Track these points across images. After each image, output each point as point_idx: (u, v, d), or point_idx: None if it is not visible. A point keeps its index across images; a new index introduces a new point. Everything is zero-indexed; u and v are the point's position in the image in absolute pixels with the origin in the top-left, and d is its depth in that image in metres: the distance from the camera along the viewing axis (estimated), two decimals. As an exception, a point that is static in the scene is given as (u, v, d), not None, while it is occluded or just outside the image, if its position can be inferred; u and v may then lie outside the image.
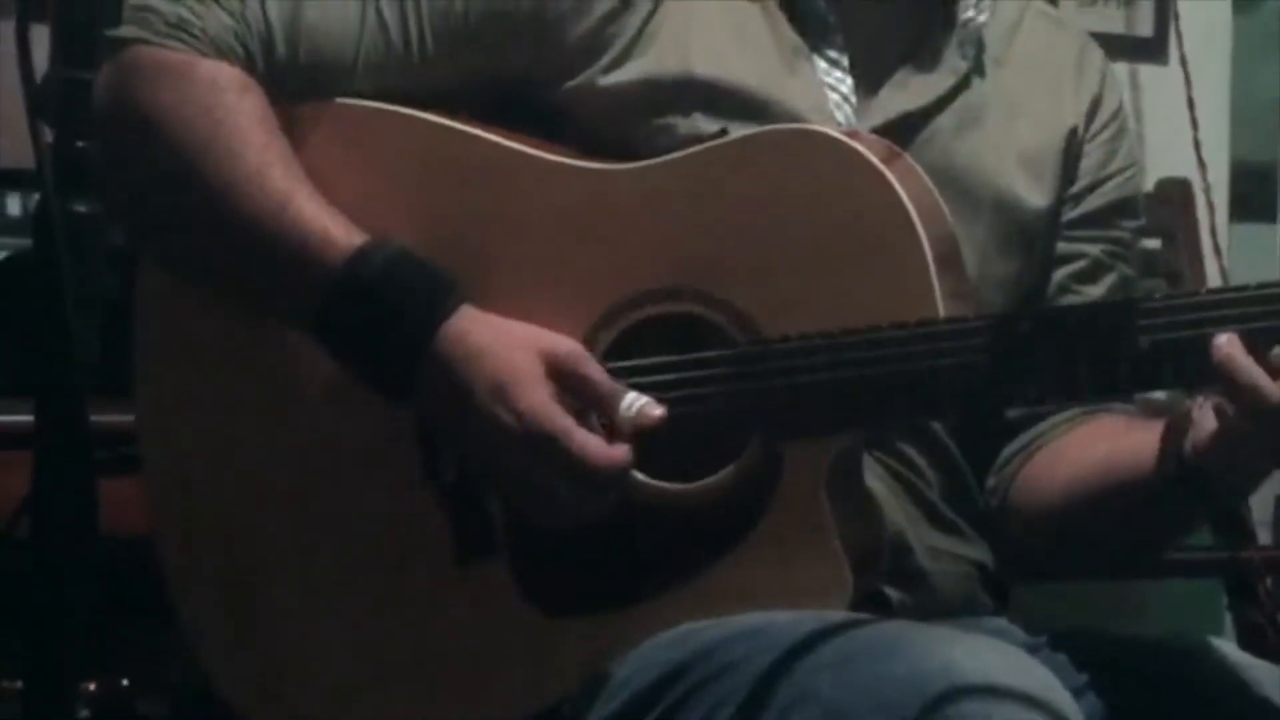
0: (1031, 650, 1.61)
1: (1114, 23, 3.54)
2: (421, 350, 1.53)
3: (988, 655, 1.42)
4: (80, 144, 1.65)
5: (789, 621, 1.50)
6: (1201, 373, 1.47)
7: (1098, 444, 1.67)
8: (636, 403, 1.54)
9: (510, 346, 1.54)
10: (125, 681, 2.47)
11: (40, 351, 1.60)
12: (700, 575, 1.56)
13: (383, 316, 1.54)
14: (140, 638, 2.23)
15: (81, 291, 1.61)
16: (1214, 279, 3.31)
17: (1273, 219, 3.37)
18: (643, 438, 1.53)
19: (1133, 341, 1.48)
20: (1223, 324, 1.47)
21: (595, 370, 1.55)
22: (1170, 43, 3.43)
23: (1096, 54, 1.80)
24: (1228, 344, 1.45)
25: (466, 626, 1.60)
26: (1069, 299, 1.74)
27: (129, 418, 1.69)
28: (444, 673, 1.61)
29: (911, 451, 1.68)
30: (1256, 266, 3.48)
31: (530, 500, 1.55)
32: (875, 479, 1.64)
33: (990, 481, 1.74)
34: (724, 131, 1.60)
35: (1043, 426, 1.73)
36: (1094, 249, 1.75)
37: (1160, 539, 1.70)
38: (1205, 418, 1.52)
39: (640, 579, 1.57)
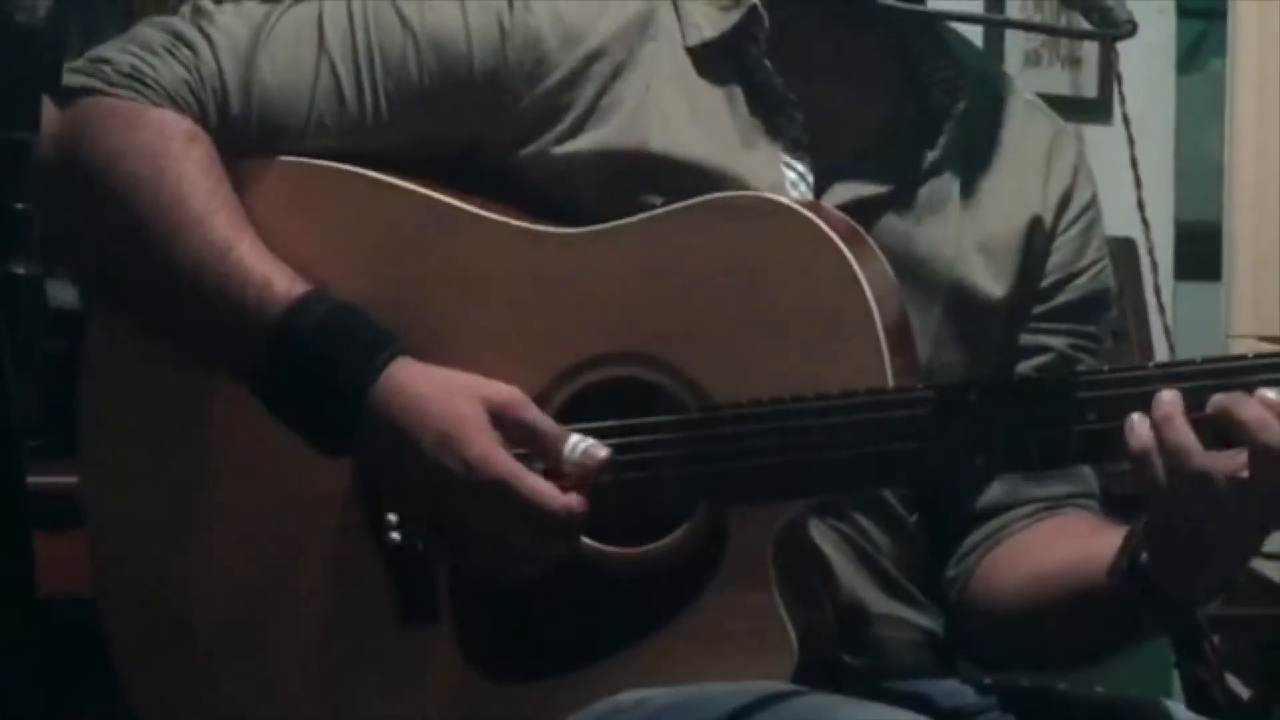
0: (981, 711, 1.61)
1: (1059, 84, 3.57)
2: (359, 402, 1.52)
3: None
4: (19, 205, 1.64)
5: (727, 692, 1.49)
6: None
7: (1061, 543, 1.65)
8: (581, 444, 1.53)
9: (451, 395, 1.53)
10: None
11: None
12: (644, 642, 1.55)
13: (319, 367, 1.54)
14: (84, 699, 2.21)
15: (19, 353, 1.60)
16: (1158, 338, 3.33)
17: (1217, 278, 3.39)
18: (590, 486, 1.52)
19: (1081, 414, 1.48)
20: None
21: (537, 414, 1.54)
22: (1114, 103, 3.45)
23: (1070, 144, 1.77)
24: (1169, 403, 1.45)
25: (408, 688, 1.59)
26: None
27: (70, 479, 1.68)
28: None
29: (864, 519, 1.67)
30: (1201, 325, 3.50)
31: (480, 552, 1.54)
32: (828, 545, 1.64)
33: (951, 572, 1.72)
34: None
35: (1008, 517, 1.71)
36: (1060, 342, 1.72)
37: (1117, 645, 1.65)
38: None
39: (584, 645, 1.57)
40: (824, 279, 1.54)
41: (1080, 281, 1.73)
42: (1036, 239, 1.71)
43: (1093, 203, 1.76)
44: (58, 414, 1.67)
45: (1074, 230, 1.74)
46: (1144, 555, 1.51)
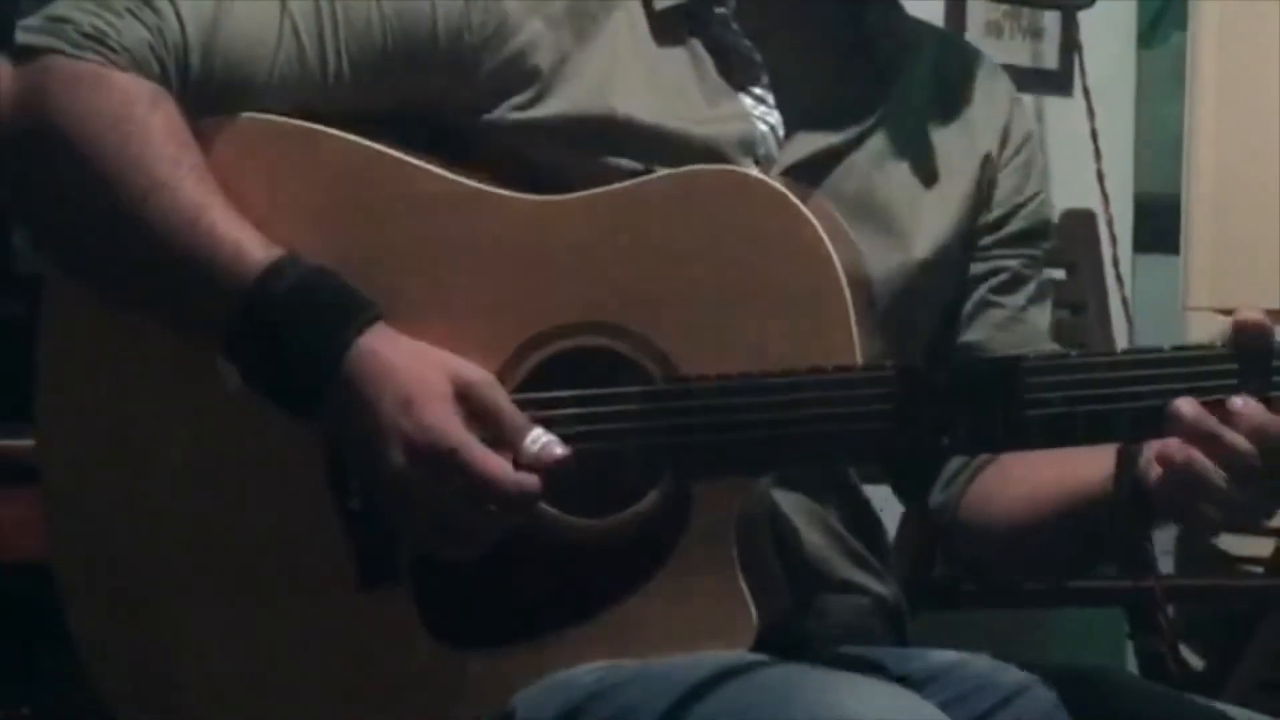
0: (932, 678, 1.62)
1: (1020, 55, 3.57)
2: (332, 367, 1.52)
3: (881, 699, 1.43)
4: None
5: (686, 665, 1.50)
6: (1112, 431, 1.50)
7: (1048, 465, 1.68)
8: (541, 439, 1.53)
9: (422, 365, 1.53)
10: (26, 711, 2.44)
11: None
12: (605, 612, 1.56)
13: (293, 332, 1.53)
14: (43, 666, 2.21)
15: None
16: (1116, 309, 3.34)
17: (1175, 250, 3.40)
18: (546, 474, 1.52)
19: (1046, 397, 1.50)
20: (1136, 384, 1.50)
21: (505, 401, 1.54)
22: (1075, 75, 3.46)
23: (1004, 80, 1.82)
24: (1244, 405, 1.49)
25: (367, 653, 1.59)
26: (992, 312, 1.76)
27: (26, 441, 1.68)
28: (343, 699, 1.60)
29: (821, 486, 1.69)
30: (1159, 298, 3.51)
31: (429, 523, 1.54)
32: (792, 511, 1.65)
33: (939, 497, 1.77)
34: (650, 170, 1.60)
35: None
36: (1013, 263, 1.77)
37: (1110, 555, 1.74)
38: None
39: (545, 614, 1.57)
40: (796, 255, 1.54)
41: (1026, 211, 1.78)
42: (985, 174, 1.76)
43: (1031, 135, 1.81)
44: (15, 379, 1.66)
45: (1016, 162, 1.78)
46: (1141, 473, 1.55)
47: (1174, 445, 1.49)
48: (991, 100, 1.79)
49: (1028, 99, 3.52)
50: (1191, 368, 1.50)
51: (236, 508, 1.61)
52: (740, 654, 1.52)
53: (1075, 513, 1.64)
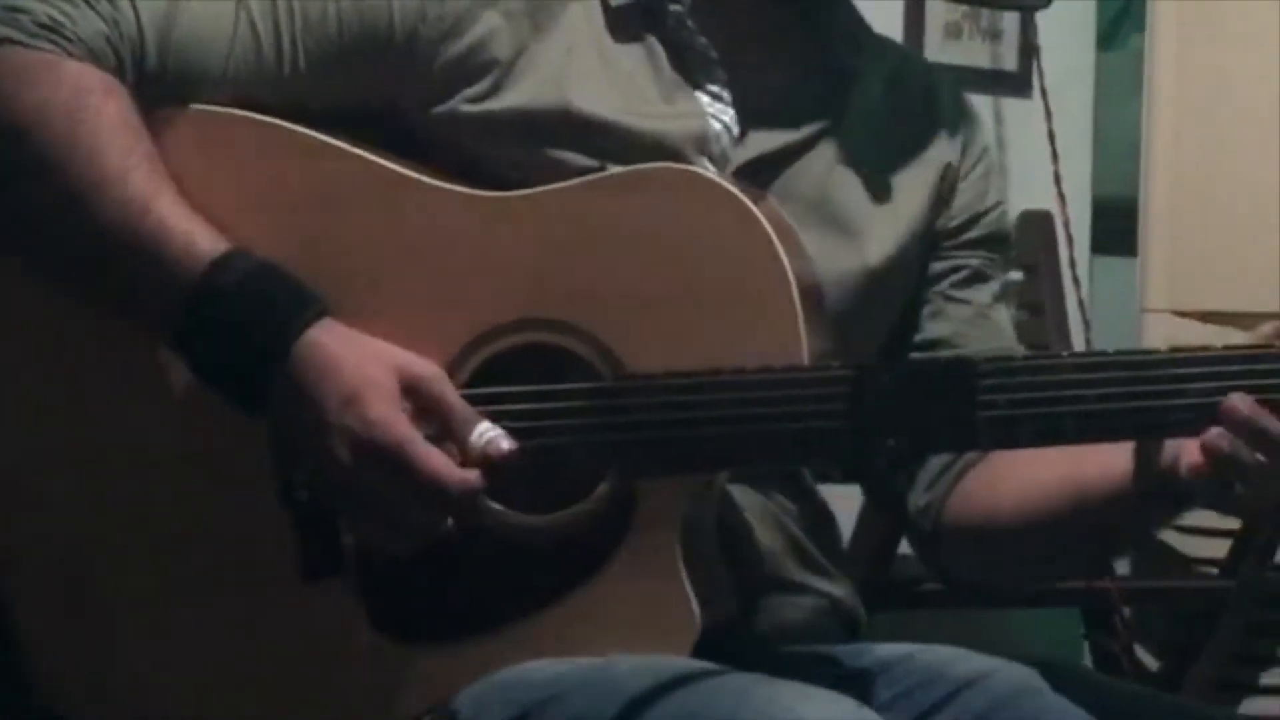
0: (887, 669, 1.63)
1: (978, 56, 3.58)
2: (278, 360, 1.52)
3: (829, 708, 1.44)
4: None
5: (631, 671, 1.50)
6: (1059, 434, 1.51)
7: (1046, 465, 1.67)
8: (488, 433, 1.53)
9: (366, 359, 1.53)
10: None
11: None
12: (549, 610, 1.56)
13: (241, 325, 1.53)
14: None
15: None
16: (1074, 311, 3.35)
17: (1132, 253, 3.41)
18: (492, 469, 1.52)
19: (991, 399, 1.50)
20: (1085, 387, 1.50)
21: (451, 395, 1.54)
22: (1034, 77, 3.47)
23: (962, 95, 1.83)
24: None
25: (310, 648, 1.59)
26: (958, 308, 1.76)
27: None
28: (286, 693, 1.60)
29: (776, 488, 1.69)
30: (1116, 300, 3.52)
31: (370, 519, 1.54)
32: (742, 507, 1.65)
33: (921, 500, 1.75)
34: (602, 168, 1.60)
35: None
36: (974, 261, 1.78)
37: (1125, 550, 1.73)
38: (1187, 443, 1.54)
39: (489, 610, 1.57)
40: (746, 255, 1.54)
41: (987, 220, 1.79)
42: (946, 181, 1.76)
43: (988, 149, 1.82)
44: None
45: (976, 173, 1.79)
46: (1172, 462, 1.55)
47: (1217, 435, 1.50)
48: (950, 113, 1.79)
49: (986, 100, 3.54)
50: (1136, 371, 1.50)
51: (181, 500, 1.61)
52: (687, 662, 1.52)
53: (1090, 510, 1.63)
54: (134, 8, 1.59)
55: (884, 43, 1.81)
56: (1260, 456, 1.49)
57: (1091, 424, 1.51)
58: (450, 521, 1.53)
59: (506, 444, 1.53)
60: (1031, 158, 3.43)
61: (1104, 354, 1.52)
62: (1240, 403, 1.49)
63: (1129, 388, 1.50)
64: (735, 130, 1.68)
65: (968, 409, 1.51)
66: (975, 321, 1.77)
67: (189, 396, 1.57)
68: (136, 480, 1.62)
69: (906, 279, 1.75)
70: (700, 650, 1.54)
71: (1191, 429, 1.50)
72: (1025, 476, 1.69)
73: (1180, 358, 1.51)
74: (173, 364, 1.58)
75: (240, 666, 1.61)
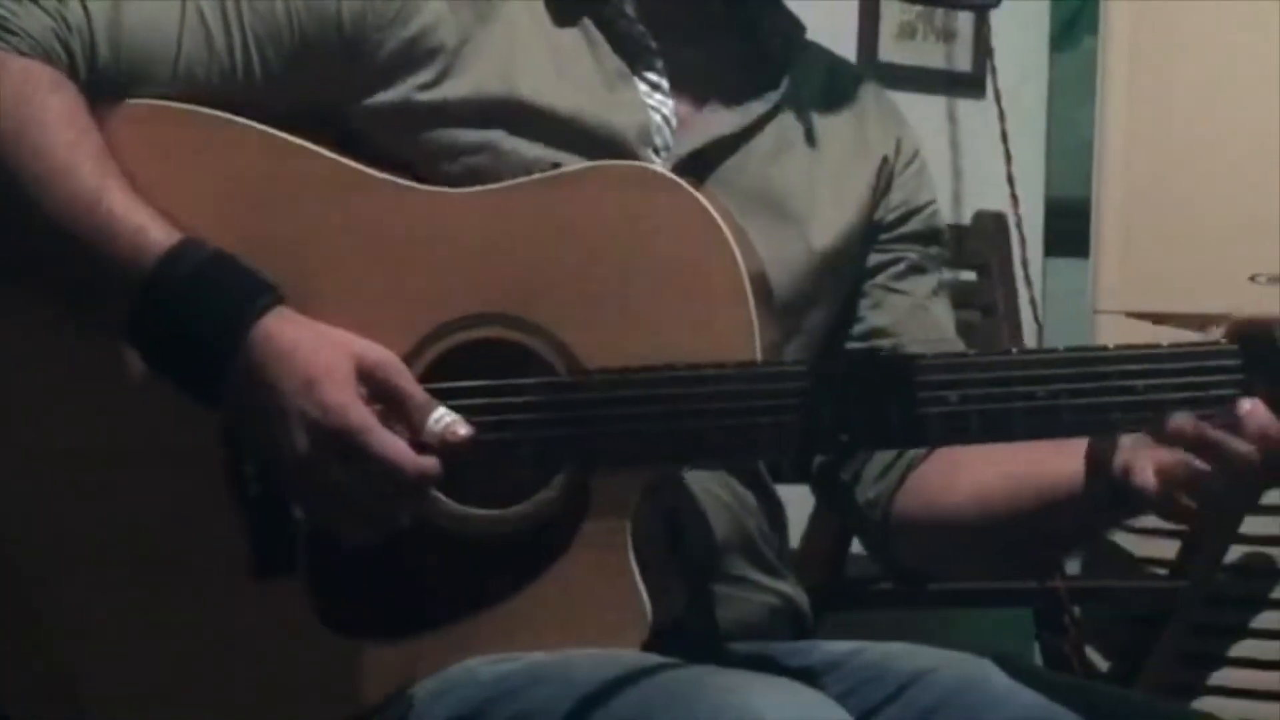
0: (832, 668, 1.64)
1: (932, 57, 3.58)
2: (232, 350, 1.51)
3: (786, 699, 1.44)
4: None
5: (587, 666, 1.50)
6: (1008, 429, 1.51)
7: (995, 462, 1.67)
8: (445, 418, 1.52)
9: (322, 346, 1.53)
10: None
11: None
12: (500, 605, 1.56)
13: (194, 316, 1.52)
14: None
15: None
16: (1026, 312, 3.36)
17: (1085, 254, 3.42)
18: (448, 457, 1.52)
19: (942, 394, 1.51)
20: (1034, 384, 1.51)
21: (408, 380, 1.54)
22: (988, 78, 3.48)
23: (888, 98, 1.85)
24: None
25: (261, 642, 1.59)
26: (897, 299, 1.78)
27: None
28: (237, 688, 1.59)
29: (736, 482, 1.70)
30: (1068, 301, 3.53)
31: (328, 506, 1.53)
32: (697, 503, 1.66)
33: (869, 493, 1.75)
34: (556, 165, 1.61)
35: None
36: (912, 255, 1.79)
37: (1072, 550, 1.71)
38: (1139, 456, 1.52)
39: (441, 605, 1.56)
40: (700, 252, 1.55)
41: (922, 215, 1.81)
42: (883, 175, 1.78)
43: (919, 152, 1.83)
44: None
45: (910, 171, 1.81)
46: (1117, 469, 1.54)
47: (1169, 454, 1.49)
48: (883, 112, 1.82)
49: (940, 101, 3.54)
50: (1085, 368, 1.51)
51: (132, 494, 1.60)
52: (643, 655, 1.52)
53: (1040, 510, 1.63)
54: (82, 2, 1.59)
55: (811, 44, 1.82)
56: (1207, 465, 1.48)
57: (1041, 420, 1.51)
58: (409, 512, 1.52)
59: (463, 429, 1.52)
60: (985, 158, 3.44)
61: (1054, 351, 1.53)
62: (1184, 422, 1.48)
63: (1078, 384, 1.51)
64: (674, 122, 1.69)
65: (920, 405, 1.51)
66: (914, 313, 1.78)
67: (143, 390, 1.56)
68: (89, 474, 1.61)
69: (847, 268, 1.76)
70: (649, 645, 1.54)
71: (1139, 426, 1.51)
72: (974, 475, 1.70)
73: (1128, 354, 1.51)
74: (126, 357, 1.57)
75: (189, 663, 1.60)
